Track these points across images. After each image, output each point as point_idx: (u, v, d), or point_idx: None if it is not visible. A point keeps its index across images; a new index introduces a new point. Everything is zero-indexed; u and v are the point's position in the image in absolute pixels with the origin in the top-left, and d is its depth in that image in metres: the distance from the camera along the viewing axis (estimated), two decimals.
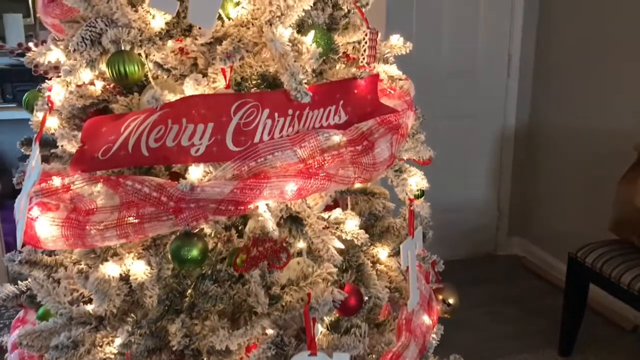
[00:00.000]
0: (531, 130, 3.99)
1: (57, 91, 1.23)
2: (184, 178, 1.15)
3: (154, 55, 1.32)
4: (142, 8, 1.32)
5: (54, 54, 1.27)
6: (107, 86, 1.38)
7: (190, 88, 1.20)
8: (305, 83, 1.19)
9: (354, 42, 1.47)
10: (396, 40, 1.52)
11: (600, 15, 3.31)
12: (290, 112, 1.19)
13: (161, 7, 1.20)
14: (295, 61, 1.19)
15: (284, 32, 1.18)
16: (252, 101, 1.15)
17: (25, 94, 1.50)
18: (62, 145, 1.19)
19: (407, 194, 1.47)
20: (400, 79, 1.48)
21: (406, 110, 1.39)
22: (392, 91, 1.45)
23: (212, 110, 1.13)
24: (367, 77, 1.32)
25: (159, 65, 1.34)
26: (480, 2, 3.83)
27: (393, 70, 1.49)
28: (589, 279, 2.73)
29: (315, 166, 1.17)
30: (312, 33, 1.24)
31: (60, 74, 1.25)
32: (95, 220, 1.17)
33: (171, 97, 1.17)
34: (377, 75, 1.36)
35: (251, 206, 1.14)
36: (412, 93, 1.46)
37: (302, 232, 1.29)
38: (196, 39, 1.30)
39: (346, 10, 1.44)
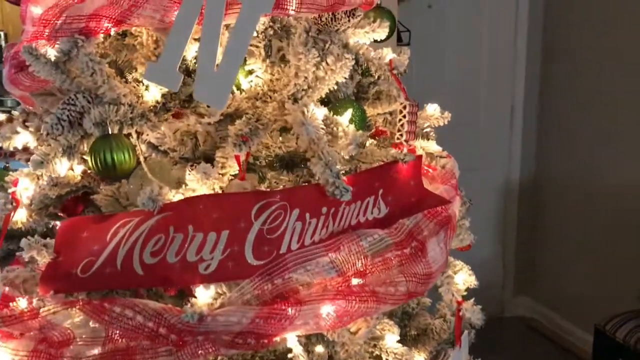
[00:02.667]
0: (536, 183, 3.80)
1: (24, 186, 0.96)
2: (189, 299, 0.88)
3: (147, 135, 1.07)
4: (132, 77, 1.08)
5: (21, 139, 1.01)
6: (88, 170, 1.12)
7: (196, 183, 0.94)
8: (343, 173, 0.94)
9: (385, 113, 1.23)
10: (433, 110, 1.29)
11: (605, 65, 3.17)
12: (324, 210, 0.94)
13: (160, 82, 0.95)
14: (329, 145, 0.95)
15: (317, 112, 0.93)
16: (279, 200, 0.90)
17: None
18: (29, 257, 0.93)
19: (453, 294, 1.21)
20: (441, 156, 1.24)
21: (454, 197, 1.15)
22: (431, 171, 1.21)
23: (227, 213, 0.88)
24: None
25: (153, 146, 1.08)
26: (483, 53, 3.68)
27: (432, 146, 1.25)
28: (619, 356, 2.48)
29: (358, 281, 0.91)
30: (349, 112, 1.00)
31: (29, 159, 0.99)
32: (70, 356, 0.90)
33: (172, 196, 0.91)
34: (421, 157, 1.12)
35: (277, 339, 0.87)
36: (456, 173, 1.22)
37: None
38: (200, 115, 1.05)
39: (376, 77, 1.21)
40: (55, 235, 0.97)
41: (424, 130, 1.24)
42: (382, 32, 1.20)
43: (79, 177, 1.12)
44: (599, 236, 3.29)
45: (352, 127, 0.95)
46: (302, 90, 1.01)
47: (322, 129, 0.92)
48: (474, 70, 3.65)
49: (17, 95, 1.10)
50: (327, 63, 0.98)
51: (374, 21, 1.20)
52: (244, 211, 0.88)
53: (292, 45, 1.01)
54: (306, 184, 1.00)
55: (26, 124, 1.13)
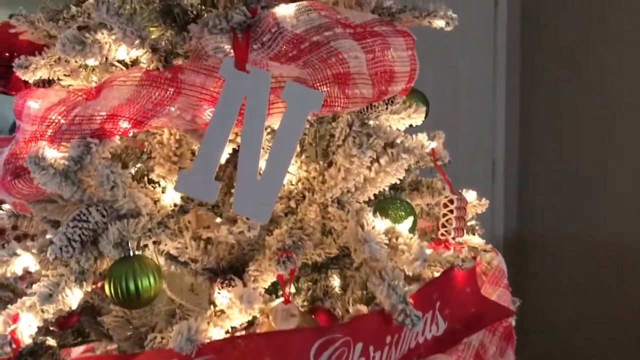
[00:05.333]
0: (521, 240, 3.74)
1: (27, 323, 0.79)
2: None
3: (166, 245, 0.92)
4: (148, 177, 0.94)
5: (21, 262, 0.84)
6: (95, 287, 0.96)
7: (232, 310, 0.80)
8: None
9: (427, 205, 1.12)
10: (473, 197, 1.18)
11: (589, 114, 3.17)
12: (388, 339, 0.81)
13: (194, 194, 0.81)
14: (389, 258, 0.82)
15: (378, 224, 0.81)
16: (342, 336, 0.76)
17: None
18: None
19: None
20: (485, 250, 1.13)
21: (509, 300, 1.03)
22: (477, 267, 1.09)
23: (281, 355, 0.73)
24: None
25: (171, 257, 0.93)
26: (460, 106, 3.65)
27: (474, 238, 1.14)
28: None
29: None
30: (409, 220, 0.87)
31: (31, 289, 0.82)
32: None
33: (214, 333, 0.76)
34: (476, 258, 1.00)
35: None
36: (505, 270, 1.11)
37: None
38: (231, 221, 0.91)
39: (414, 167, 1.10)
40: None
41: (470, 224, 1.12)
42: (418, 118, 1.10)
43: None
44: (589, 291, 3.23)
45: (415, 238, 0.83)
46: (348, 192, 0.88)
47: (385, 244, 0.79)
48: (452, 124, 3.62)
49: (11, 202, 0.94)
50: (379, 164, 0.86)
51: (410, 106, 1.10)
52: (302, 352, 0.74)
53: (337, 142, 0.89)
54: (364, 308, 0.86)
55: (18, 230, 0.97)
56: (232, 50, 0.83)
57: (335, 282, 1.10)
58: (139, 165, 1.00)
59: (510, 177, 3.69)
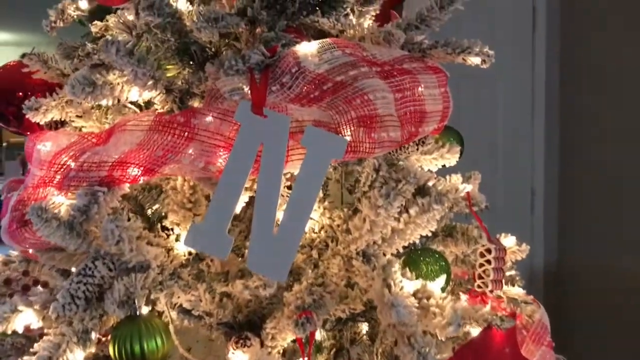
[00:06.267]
0: (561, 272, 3.58)
1: None
2: None
3: (179, 297, 0.86)
4: (162, 224, 0.88)
5: (23, 319, 0.79)
6: (101, 336, 0.90)
7: None
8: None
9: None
10: (512, 242, 1.09)
11: (629, 145, 3.04)
12: None
13: (205, 249, 0.75)
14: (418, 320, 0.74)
15: (407, 284, 0.73)
16: None
17: None
18: None
19: None
20: (525, 302, 1.03)
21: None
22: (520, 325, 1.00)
23: None
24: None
25: (185, 311, 0.87)
26: (498, 133, 3.55)
27: (514, 289, 1.05)
28: None
29: None
30: (442, 278, 0.79)
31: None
32: None
33: None
34: (516, 312, 0.91)
35: None
36: (548, 326, 1.01)
37: None
38: (246, 278, 0.84)
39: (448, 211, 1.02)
40: None
41: (509, 273, 1.03)
42: (452, 158, 1.02)
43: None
44: (635, 326, 3.06)
45: (448, 300, 0.75)
46: (374, 243, 0.81)
47: (415, 307, 0.72)
48: (489, 152, 3.51)
49: (19, 249, 0.89)
50: (408, 214, 0.79)
51: (443, 145, 1.02)
52: None
53: (363, 188, 0.82)
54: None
55: (30, 276, 0.93)
56: (249, 92, 0.78)
57: (364, 328, 1.02)
58: (156, 206, 0.96)
59: (550, 207, 3.55)
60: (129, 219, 0.92)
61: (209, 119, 0.75)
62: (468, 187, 0.98)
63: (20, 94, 0.95)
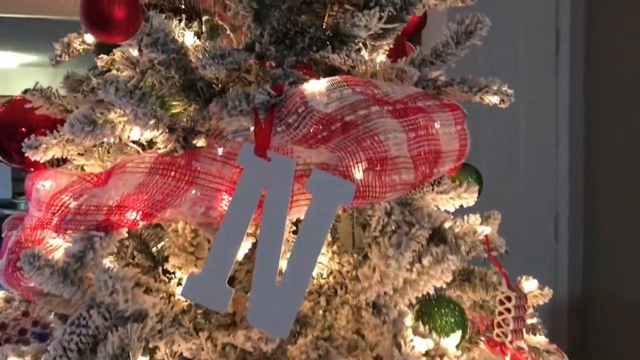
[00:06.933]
0: (587, 303, 3.47)
1: None
2: None
3: (179, 346, 0.82)
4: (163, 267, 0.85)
5: None
6: None
7: None
8: None
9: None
10: (534, 286, 1.03)
11: None
12: None
13: (203, 301, 0.71)
14: None
15: (418, 343, 0.68)
16: None
17: None
18: None
19: None
20: (548, 351, 0.97)
21: None
22: None
23: None
24: None
25: None
26: (520, 155, 3.48)
27: (535, 337, 0.99)
28: None
29: None
30: (458, 334, 0.74)
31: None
32: None
33: None
34: None
35: None
36: None
37: None
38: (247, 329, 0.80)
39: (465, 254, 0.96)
40: None
41: (531, 322, 0.97)
42: (469, 198, 0.97)
43: None
44: None
45: (464, 358, 0.69)
46: (387, 295, 0.76)
47: None
48: (511, 176, 3.43)
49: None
50: (421, 264, 0.74)
51: (460, 184, 0.98)
52: None
53: (374, 233, 0.77)
54: None
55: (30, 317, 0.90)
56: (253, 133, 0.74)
57: None
58: (161, 244, 0.92)
59: (575, 234, 3.46)
60: (128, 264, 0.90)
61: (211, 161, 0.72)
62: (487, 230, 0.93)
63: (24, 129, 0.93)
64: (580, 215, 3.50)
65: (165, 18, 0.87)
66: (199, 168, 0.72)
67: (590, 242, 3.48)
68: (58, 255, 0.78)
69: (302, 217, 0.71)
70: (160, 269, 0.86)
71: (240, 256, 0.76)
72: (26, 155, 0.89)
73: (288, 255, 0.70)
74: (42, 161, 0.86)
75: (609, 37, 3.37)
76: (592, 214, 3.45)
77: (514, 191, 3.43)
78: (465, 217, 0.98)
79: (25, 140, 0.83)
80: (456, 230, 0.93)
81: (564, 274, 3.52)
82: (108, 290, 0.68)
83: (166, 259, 0.85)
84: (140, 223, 0.75)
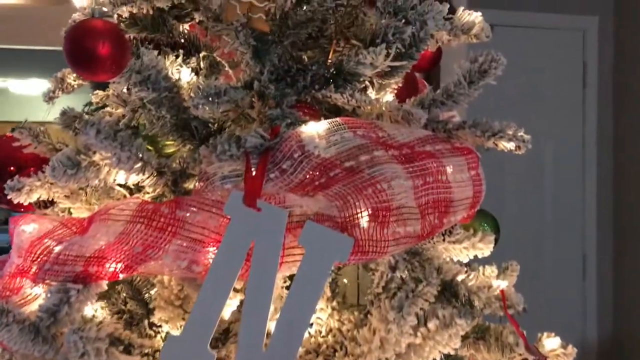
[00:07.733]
0: (617, 344, 3.32)
1: None
2: None
3: None
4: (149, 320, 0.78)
5: None
6: None
7: None
8: None
9: None
10: (556, 344, 0.94)
11: None
12: None
13: None
14: None
15: None
16: None
17: None
18: None
19: None
20: None
21: None
22: None
23: None
24: None
25: None
26: (546, 193, 3.38)
27: None
28: None
29: None
30: None
31: None
32: None
33: None
34: None
35: None
36: None
37: None
38: None
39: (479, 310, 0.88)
40: None
41: None
42: (485, 249, 0.90)
43: None
44: None
45: None
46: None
47: None
48: (537, 214, 3.32)
49: None
50: (427, 328, 0.67)
51: (474, 233, 0.90)
52: None
53: (376, 289, 0.70)
54: None
55: None
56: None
57: None
58: (154, 290, 0.86)
59: (604, 274, 3.34)
60: (119, 310, 0.84)
61: (196, 211, 0.66)
62: (503, 284, 0.85)
63: (12, 168, 0.89)
64: (609, 253, 3.38)
65: (162, 54, 0.82)
66: (183, 217, 0.66)
67: (619, 281, 3.35)
68: (35, 306, 0.72)
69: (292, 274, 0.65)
70: (146, 322, 0.79)
71: (226, 315, 0.69)
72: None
73: (276, 317, 0.64)
74: (26, 203, 0.82)
75: (638, 69, 3.27)
76: (621, 252, 3.33)
77: (540, 229, 3.33)
78: (481, 268, 0.90)
79: (8, 181, 0.79)
80: (469, 284, 0.86)
81: (593, 317, 3.40)
82: (78, 353, 0.61)
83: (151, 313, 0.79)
84: (121, 275, 0.69)
